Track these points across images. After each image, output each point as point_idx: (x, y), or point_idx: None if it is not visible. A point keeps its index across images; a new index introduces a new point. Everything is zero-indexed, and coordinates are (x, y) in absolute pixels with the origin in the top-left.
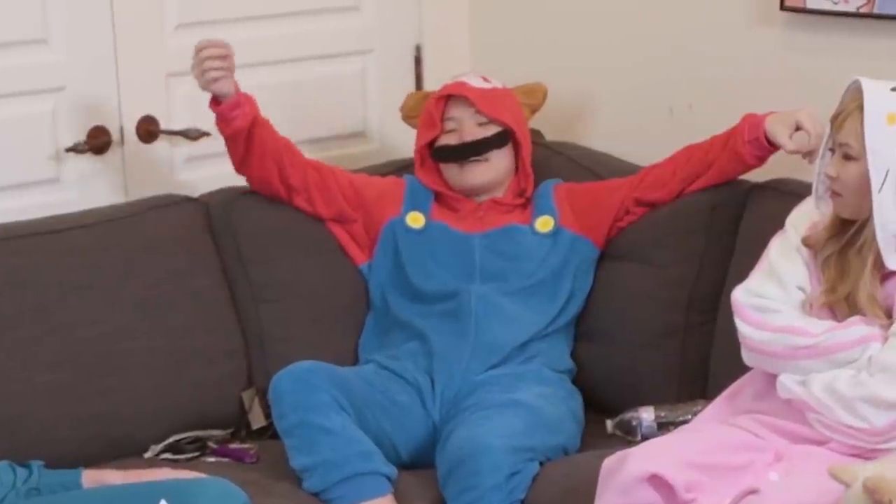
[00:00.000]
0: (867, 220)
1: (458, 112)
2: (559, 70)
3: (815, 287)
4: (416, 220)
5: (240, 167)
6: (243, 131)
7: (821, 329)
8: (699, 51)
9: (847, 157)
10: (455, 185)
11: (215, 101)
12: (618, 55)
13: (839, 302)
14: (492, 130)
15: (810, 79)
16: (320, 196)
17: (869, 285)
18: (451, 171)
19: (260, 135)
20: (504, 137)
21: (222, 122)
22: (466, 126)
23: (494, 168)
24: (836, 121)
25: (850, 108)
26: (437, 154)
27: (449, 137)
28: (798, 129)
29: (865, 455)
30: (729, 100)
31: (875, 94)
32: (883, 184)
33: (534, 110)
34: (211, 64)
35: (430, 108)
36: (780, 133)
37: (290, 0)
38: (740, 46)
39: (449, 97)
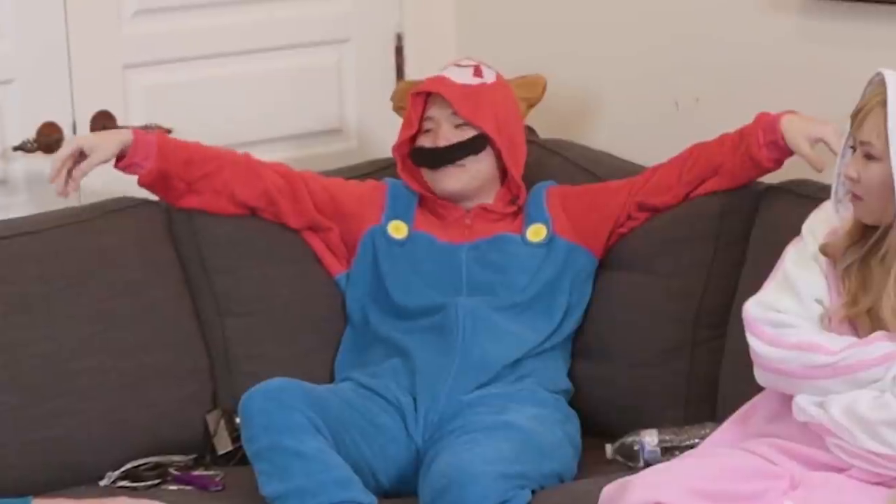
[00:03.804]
0: (891, 225)
1: (435, 111)
2: (554, 61)
3: (835, 299)
4: (398, 229)
5: (176, 204)
6: (148, 186)
7: (841, 346)
8: (708, 39)
9: (869, 157)
10: (433, 189)
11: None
12: (618, 44)
13: (861, 315)
14: (468, 134)
15: (830, 70)
16: (289, 207)
17: (893, 298)
18: (427, 175)
19: (182, 179)
20: (481, 142)
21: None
22: (443, 128)
23: (470, 174)
24: (857, 117)
25: (873, 103)
26: (413, 157)
27: (425, 139)
28: (818, 141)
29: (889, 483)
30: (740, 93)
31: None
32: None
33: (531, 105)
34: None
35: (408, 104)
36: (801, 145)
37: None
38: (753, 34)
39: (430, 93)
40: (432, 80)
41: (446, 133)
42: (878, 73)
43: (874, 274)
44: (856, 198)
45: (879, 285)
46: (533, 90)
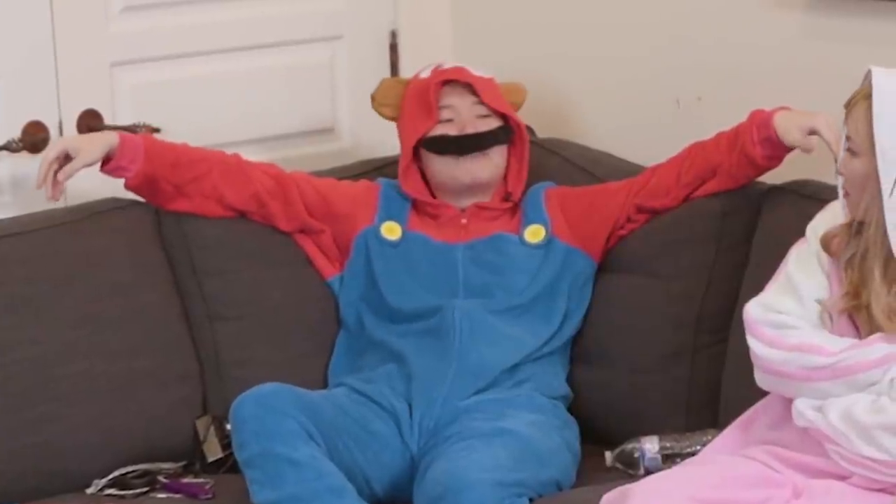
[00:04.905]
0: (870, 222)
1: (455, 100)
2: (553, 58)
3: (836, 292)
4: (391, 230)
5: (164, 207)
6: (135, 189)
7: (840, 347)
8: (710, 36)
9: (850, 152)
10: (447, 179)
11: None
12: (618, 41)
13: (861, 310)
14: (493, 124)
15: (834, 69)
16: (279, 209)
17: (882, 299)
18: (446, 164)
19: (170, 182)
20: (507, 132)
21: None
22: (466, 116)
23: (494, 164)
24: (846, 111)
25: (856, 98)
26: (432, 145)
27: (446, 127)
28: (812, 133)
29: (890, 490)
30: (743, 91)
31: (888, 81)
32: (894, 187)
33: (516, 109)
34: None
35: (424, 94)
36: (793, 134)
37: None
38: (756, 32)
39: (444, 83)
40: (454, 69)
41: (472, 121)
42: (870, 70)
43: (871, 269)
44: (846, 193)
45: (871, 284)
46: (517, 95)
